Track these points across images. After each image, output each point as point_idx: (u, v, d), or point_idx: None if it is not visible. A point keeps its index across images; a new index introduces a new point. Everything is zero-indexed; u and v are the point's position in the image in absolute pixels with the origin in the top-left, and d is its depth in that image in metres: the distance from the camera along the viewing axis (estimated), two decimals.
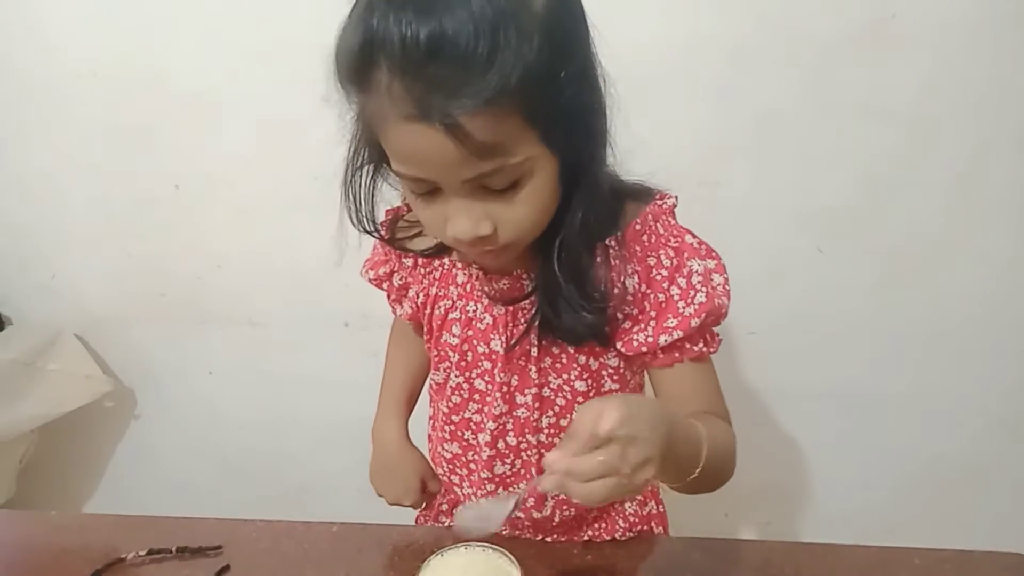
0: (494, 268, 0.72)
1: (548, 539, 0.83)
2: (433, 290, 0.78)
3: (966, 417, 1.31)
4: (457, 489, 0.87)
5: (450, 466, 0.86)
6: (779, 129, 1.15)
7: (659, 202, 0.72)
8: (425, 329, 0.82)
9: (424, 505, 0.94)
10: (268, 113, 1.25)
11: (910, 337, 1.26)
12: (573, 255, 0.66)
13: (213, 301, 1.42)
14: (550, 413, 0.76)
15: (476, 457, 0.81)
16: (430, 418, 0.90)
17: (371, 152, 0.67)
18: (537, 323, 0.71)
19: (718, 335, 0.73)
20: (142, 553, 0.78)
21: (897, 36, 1.08)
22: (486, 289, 0.74)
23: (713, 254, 0.71)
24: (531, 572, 0.64)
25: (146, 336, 1.48)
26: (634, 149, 1.16)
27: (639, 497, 0.88)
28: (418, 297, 0.80)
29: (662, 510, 0.91)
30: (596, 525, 0.87)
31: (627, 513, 0.87)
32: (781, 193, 1.19)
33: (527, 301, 0.71)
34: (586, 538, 0.86)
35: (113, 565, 0.77)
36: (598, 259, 0.68)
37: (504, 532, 0.82)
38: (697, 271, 0.69)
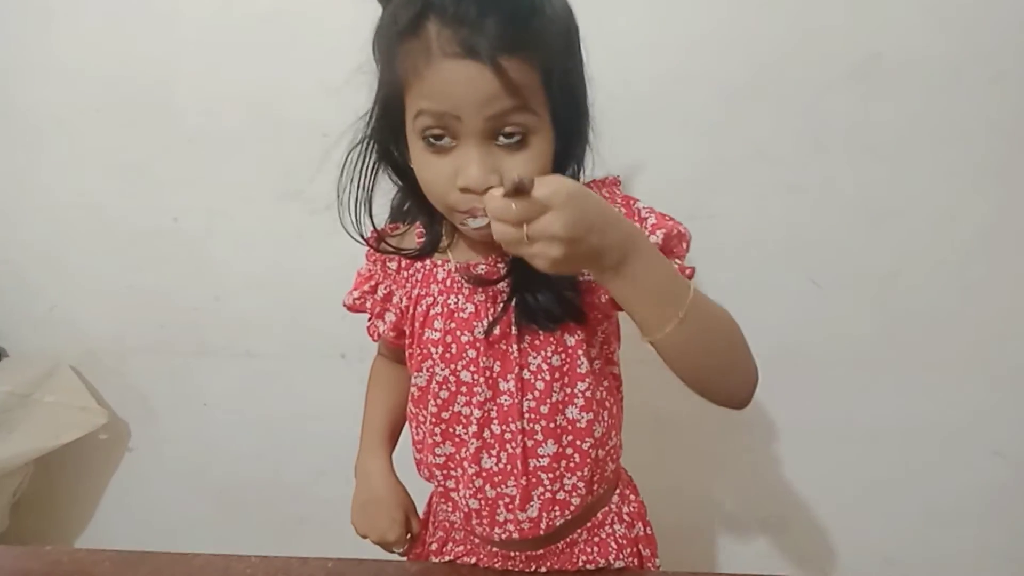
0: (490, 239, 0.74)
1: (543, 568, 0.86)
2: (415, 291, 0.82)
3: (961, 448, 1.31)
4: (454, 494, 0.86)
5: (443, 471, 0.85)
6: (771, 164, 1.17)
7: (611, 179, 0.82)
8: (408, 332, 0.84)
9: (407, 548, 0.92)
10: (267, 148, 1.27)
11: (904, 369, 1.27)
12: None
13: (211, 333, 1.43)
14: (530, 397, 0.79)
15: (466, 453, 0.82)
16: (414, 441, 0.90)
17: (383, 129, 0.74)
18: (516, 307, 0.76)
19: (687, 267, 0.76)
20: None
21: (882, 75, 1.11)
22: (465, 277, 0.78)
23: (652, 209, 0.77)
24: None
25: (143, 368, 1.48)
26: (628, 181, 1.19)
27: (627, 519, 0.90)
28: (401, 301, 0.84)
29: (650, 532, 0.93)
30: (588, 549, 0.88)
31: (617, 535, 0.89)
32: (773, 227, 1.21)
33: (505, 286, 0.76)
34: (581, 562, 0.88)
35: None
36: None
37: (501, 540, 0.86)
38: (644, 207, 0.76)
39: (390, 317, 0.87)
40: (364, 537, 0.89)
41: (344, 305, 0.91)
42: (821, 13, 1.10)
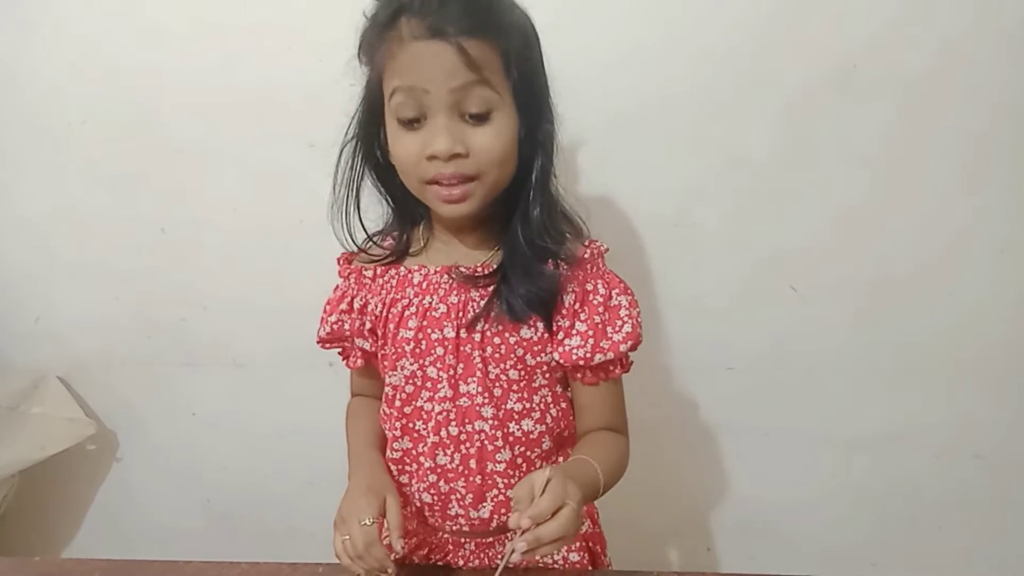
0: (461, 213, 0.80)
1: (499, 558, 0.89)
2: (390, 296, 0.87)
3: (942, 451, 1.33)
4: (406, 489, 0.90)
5: (399, 466, 0.90)
6: (751, 173, 1.19)
7: (597, 243, 0.87)
8: (381, 335, 0.88)
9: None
10: (253, 159, 1.28)
11: (884, 373, 1.29)
12: (537, 228, 0.81)
13: (198, 343, 1.43)
14: (490, 403, 0.84)
15: (424, 449, 0.87)
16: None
17: (367, 125, 0.83)
18: (495, 300, 0.82)
19: (631, 360, 0.87)
20: None
21: (860, 85, 1.13)
22: (454, 276, 0.84)
23: (630, 291, 0.86)
24: None
25: (130, 378, 1.48)
26: (611, 194, 1.21)
27: None
28: (376, 308, 0.88)
29: (599, 531, 0.99)
30: None
31: None
32: (754, 234, 1.22)
33: (479, 294, 0.83)
34: (537, 556, 0.89)
35: None
36: (551, 269, 0.82)
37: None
38: (624, 305, 0.84)
39: (364, 344, 0.91)
40: (340, 524, 0.80)
41: (318, 340, 0.95)
42: (800, 25, 1.12)
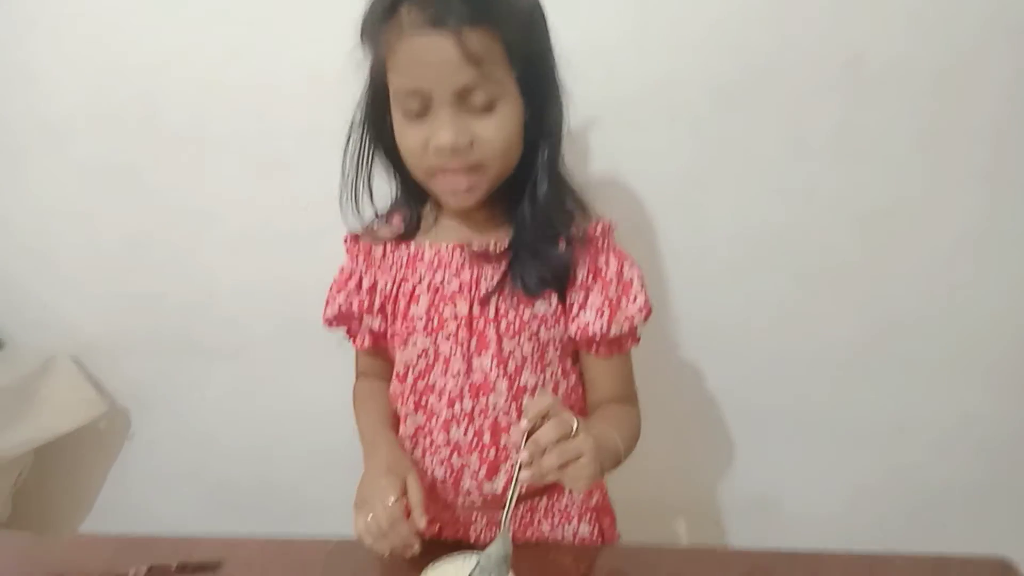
0: (467, 204, 0.81)
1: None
2: (400, 274, 0.87)
3: (947, 445, 1.32)
4: (418, 465, 0.90)
5: (412, 441, 0.91)
6: (756, 165, 1.18)
7: (606, 220, 0.87)
8: (391, 312, 0.89)
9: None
10: (257, 147, 1.27)
11: (889, 367, 1.28)
12: (545, 211, 0.81)
13: (205, 331, 1.43)
14: (503, 377, 0.84)
15: (437, 423, 0.88)
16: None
17: (373, 111, 0.82)
18: (509, 276, 0.83)
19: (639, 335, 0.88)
20: (143, 570, 0.80)
21: (865, 77, 1.11)
22: (468, 255, 0.84)
23: (637, 266, 0.87)
24: None
25: (140, 360, 1.49)
26: (616, 181, 1.20)
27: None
28: (387, 286, 0.88)
29: (607, 503, 1.00)
30: (549, 516, 0.93)
31: (578, 503, 0.94)
32: (759, 227, 1.21)
33: (492, 270, 0.83)
34: (544, 528, 0.92)
35: None
36: (561, 248, 0.82)
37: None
38: (636, 278, 0.85)
39: (373, 323, 0.91)
40: (361, 506, 0.80)
41: (325, 320, 0.94)
42: (805, 16, 1.10)
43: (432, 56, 0.71)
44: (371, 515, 0.75)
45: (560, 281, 0.83)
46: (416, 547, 0.76)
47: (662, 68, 1.14)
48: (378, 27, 0.75)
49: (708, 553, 0.82)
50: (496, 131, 0.75)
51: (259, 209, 1.32)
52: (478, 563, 0.63)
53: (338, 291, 0.93)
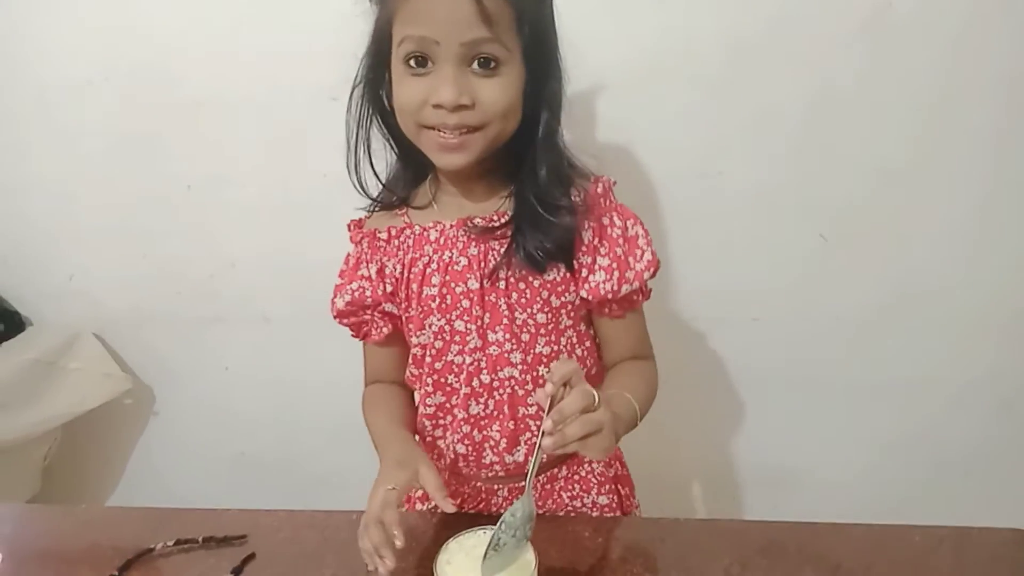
0: (457, 164, 0.80)
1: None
2: (408, 256, 0.87)
3: (969, 402, 1.33)
4: (440, 442, 0.92)
5: (432, 421, 0.91)
6: (779, 120, 1.17)
7: (605, 177, 0.87)
8: (404, 296, 0.88)
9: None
10: (276, 115, 1.28)
11: (911, 324, 1.28)
12: (546, 184, 0.81)
13: (227, 299, 1.45)
14: (518, 348, 0.85)
15: (457, 401, 0.88)
16: None
17: (375, 70, 0.81)
18: (514, 250, 0.82)
19: (650, 288, 0.88)
20: (170, 543, 0.82)
21: (891, 27, 1.09)
22: (469, 230, 0.83)
23: (640, 221, 0.86)
24: (543, 552, 0.67)
25: (163, 334, 1.51)
26: (635, 144, 1.19)
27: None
28: (396, 270, 0.88)
29: (626, 472, 1.01)
30: (569, 486, 0.94)
31: (596, 472, 0.95)
32: (783, 184, 1.21)
33: (498, 243, 0.83)
34: (565, 497, 0.93)
35: (143, 556, 0.81)
36: (565, 207, 0.82)
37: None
38: (641, 234, 0.85)
39: (392, 308, 0.90)
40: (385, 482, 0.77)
41: (336, 313, 0.93)
42: None
43: (445, 9, 0.72)
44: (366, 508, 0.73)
45: (566, 252, 0.83)
46: (399, 540, 0.69)
47: (677, 22, 1.13)
48: None
49: (725, 524, 0.83)
50: (498, 93, 0.75)
51: (279, 174, 1.33)
52: (503, 520, 0.64)
53: (349, 279, 0.92)
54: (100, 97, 1.31)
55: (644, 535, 0.82)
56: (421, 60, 0.75)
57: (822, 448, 1.41)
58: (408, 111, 0.78)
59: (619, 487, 0.97)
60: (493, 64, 0.75)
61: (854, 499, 1.41)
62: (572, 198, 0.83)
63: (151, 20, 1.25)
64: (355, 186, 0.88)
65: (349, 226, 0.92)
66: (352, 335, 0.97)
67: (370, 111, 0.85)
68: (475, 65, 0.74)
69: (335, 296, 0.93)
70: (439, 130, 0.77)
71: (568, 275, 0.85)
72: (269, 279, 1.42)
